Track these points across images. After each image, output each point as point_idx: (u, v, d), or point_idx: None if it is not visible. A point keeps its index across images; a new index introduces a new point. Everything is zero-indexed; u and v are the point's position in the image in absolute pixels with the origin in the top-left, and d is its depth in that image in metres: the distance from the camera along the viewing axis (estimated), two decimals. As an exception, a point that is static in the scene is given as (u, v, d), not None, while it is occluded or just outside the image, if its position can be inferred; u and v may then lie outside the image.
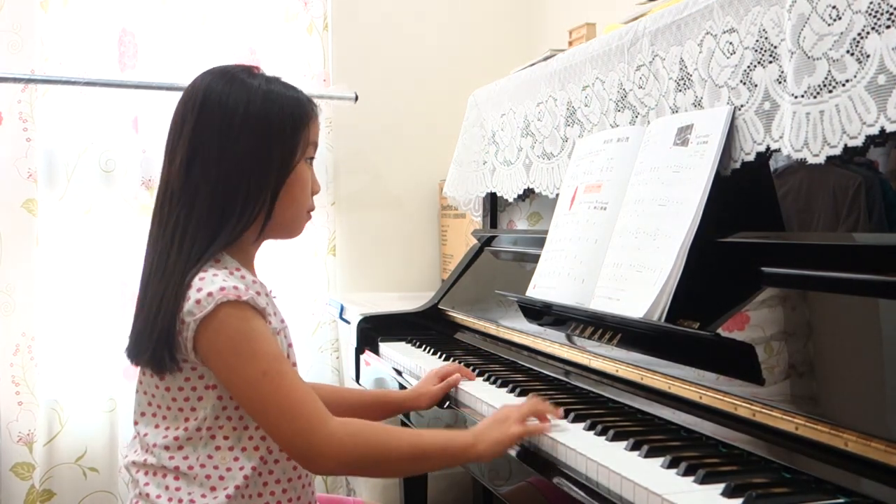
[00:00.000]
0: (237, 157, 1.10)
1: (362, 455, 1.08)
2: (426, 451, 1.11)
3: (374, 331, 1.98)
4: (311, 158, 1.19)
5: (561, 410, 1.17)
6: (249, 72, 1.17)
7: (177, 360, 1.07)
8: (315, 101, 1.21)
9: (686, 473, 0.91)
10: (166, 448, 1.09)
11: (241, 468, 1.09)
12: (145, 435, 1.12)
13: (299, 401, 1.06)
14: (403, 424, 1.79)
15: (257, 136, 1.12)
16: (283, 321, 1.16)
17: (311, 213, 1.21)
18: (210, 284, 1.06)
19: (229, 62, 1.23)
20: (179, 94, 1.17)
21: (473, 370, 1.52)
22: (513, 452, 1.14)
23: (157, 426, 1.11)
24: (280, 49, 2.60)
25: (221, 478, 1.08)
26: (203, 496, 1.08)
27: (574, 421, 1.16)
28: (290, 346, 1.17)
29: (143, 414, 1.13)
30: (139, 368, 1.15)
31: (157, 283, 1.09)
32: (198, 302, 1.05)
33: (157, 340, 1.06)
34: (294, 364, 1.17)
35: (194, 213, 1.10)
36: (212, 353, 1.06)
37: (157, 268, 1.10)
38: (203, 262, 1.08)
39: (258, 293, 1.09)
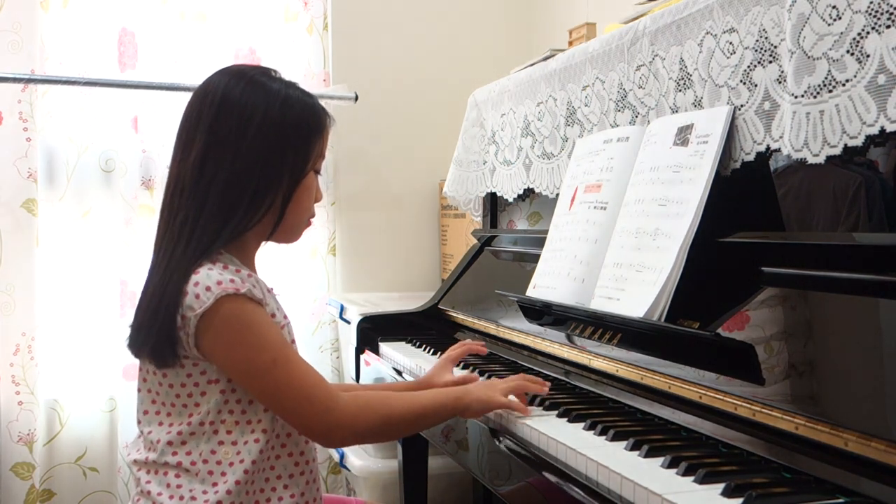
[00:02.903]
0: (252, 158, 1.11)
1: (372, 424, 1.13)
2: (424, 411, 1.18)
3: (374, 331, 1.98)
4: (318, 171, 1.20)
5: (546, 387, 1.24)
6: (268, 74, 1.17)
7: (178, 355, 1.08)
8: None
9: (686, 473, 0.91)
10: (170, 444, 1.10)
11: (242, 461, 1.09)
12: (149, 433, 1.12)
13: (312, 384, 1.10)
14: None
15: (273, 140, 1.12)
16: (286, 317, 1.17)
17: (312, 221, 1.22)
18: (206, 279, 1.06)
19: (230, 62, 1.22)
20: (180, 94, 1.18)
21: (473, 370, 1.52)
22: (512, 452, 1.14)
23: (160, 423, 1.12)
24: (280, 49, 2.60)
25: (223, 473, 1.09)
26: (204, 492, 1.08)
27: (574, 420, 1.16)
28: (293, 342, 1.18)
29: (146, 412, 1.14)
30: (140, 368, 1.15)
31: (161, 276, 1.09)
32: (196, 297, 1.05)
33: (158, 335, 1.07)
34: None
35: (204, 210, 1.10)
36: (217, 348, 1.07)
37: (162, 261, 1.11)
38: (204, 259, 1.09)
39: (254, 286, 1.10)
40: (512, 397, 1.22)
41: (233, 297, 1.06)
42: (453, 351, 1.46)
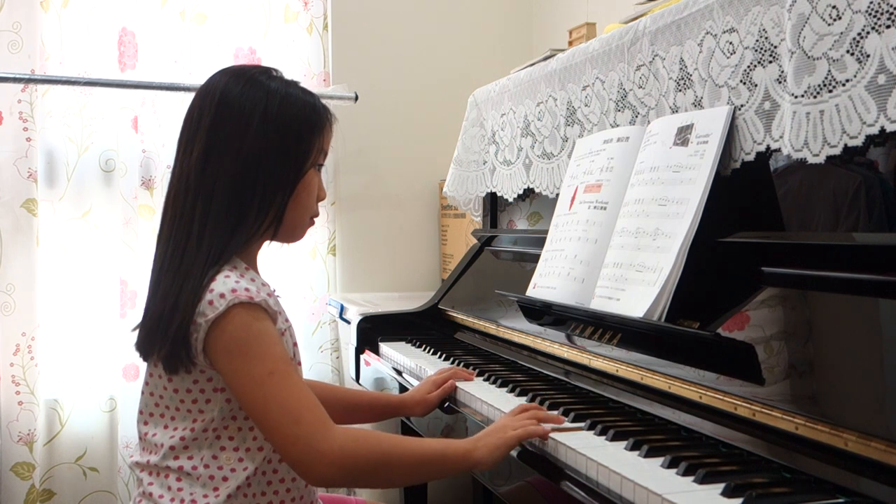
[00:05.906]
0: (252, 157, 1.11)
1: (361, 464, 1.06)
2: (426, 460, 1.10)
3: (374, 331, 1.98)
4: (321, 165, 1.20)
5: (562, 418, 1.16)
6: (268, 73, 1.17)
7: (191, 361, 1.07)
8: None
9: (686, 473, 0.91)
10: (172, 448, 1.09)
11: (245, 469, 1.09)
12: (153, 435, 1.12)
13: (303, 406, 1.05)
14: (404, 426, 1.79)
15: (272, 138, 1.12)
16: (287, 320, 1.16)
17: (315, 220, 1.21)
18: (222, 286, 1.05)
19: (230, 62, 1.22)
20: (180, 94, 1.18)
21: (473, 370, 1.52)
22: (513, 452, 1.14)
23: (165, 427, 1.11)
24: (280, 49, 2.60)
25: (225, 478, 1.08)
26: (205, 496, 1.08)
27: (574, 421, 1.15)
28: (294, 345, 1.17)
29: (151, 415, 1.13)
30: (146, 370, 1.14)
31: (172, 278, 1.08)
32: (210, 303, 1.05)
33: (174, 338, 1.06)
34: (299, 363, 1.17)
35: (212, 210, 1.09)
36: (220, 353, 1.06)
37: (172, 263, 1.09)
38: (222, 263, 1.08)
39: (269, 294, 1.09)
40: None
41: (245, 306, 1.05)
42: (439, 375, 1.45)
